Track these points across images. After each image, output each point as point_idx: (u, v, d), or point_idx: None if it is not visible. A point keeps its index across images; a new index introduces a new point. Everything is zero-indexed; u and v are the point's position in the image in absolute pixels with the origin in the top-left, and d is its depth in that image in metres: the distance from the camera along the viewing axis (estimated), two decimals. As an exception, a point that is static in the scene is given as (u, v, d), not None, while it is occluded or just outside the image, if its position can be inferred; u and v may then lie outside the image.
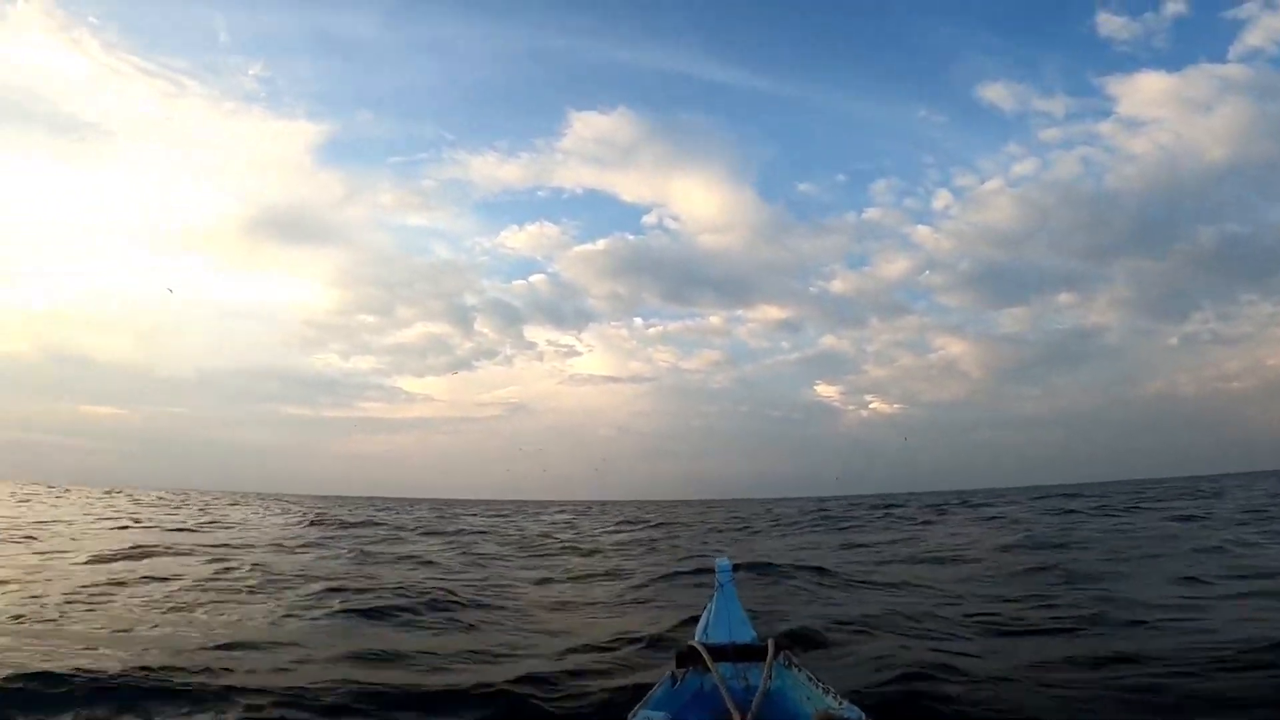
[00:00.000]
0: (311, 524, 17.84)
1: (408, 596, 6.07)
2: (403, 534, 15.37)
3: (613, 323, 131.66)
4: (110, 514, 19.62)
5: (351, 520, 20.03)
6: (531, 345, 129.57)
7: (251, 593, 6.40)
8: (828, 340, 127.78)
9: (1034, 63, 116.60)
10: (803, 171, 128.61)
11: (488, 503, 56.93)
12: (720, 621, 2.81)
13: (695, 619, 3.11)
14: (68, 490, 48.28)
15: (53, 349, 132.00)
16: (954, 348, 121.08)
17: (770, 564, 7.92)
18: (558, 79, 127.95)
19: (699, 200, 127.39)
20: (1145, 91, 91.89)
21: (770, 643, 2.38)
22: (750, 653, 2.44)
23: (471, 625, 5.27)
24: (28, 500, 27.38)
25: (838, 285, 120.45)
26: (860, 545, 11.47)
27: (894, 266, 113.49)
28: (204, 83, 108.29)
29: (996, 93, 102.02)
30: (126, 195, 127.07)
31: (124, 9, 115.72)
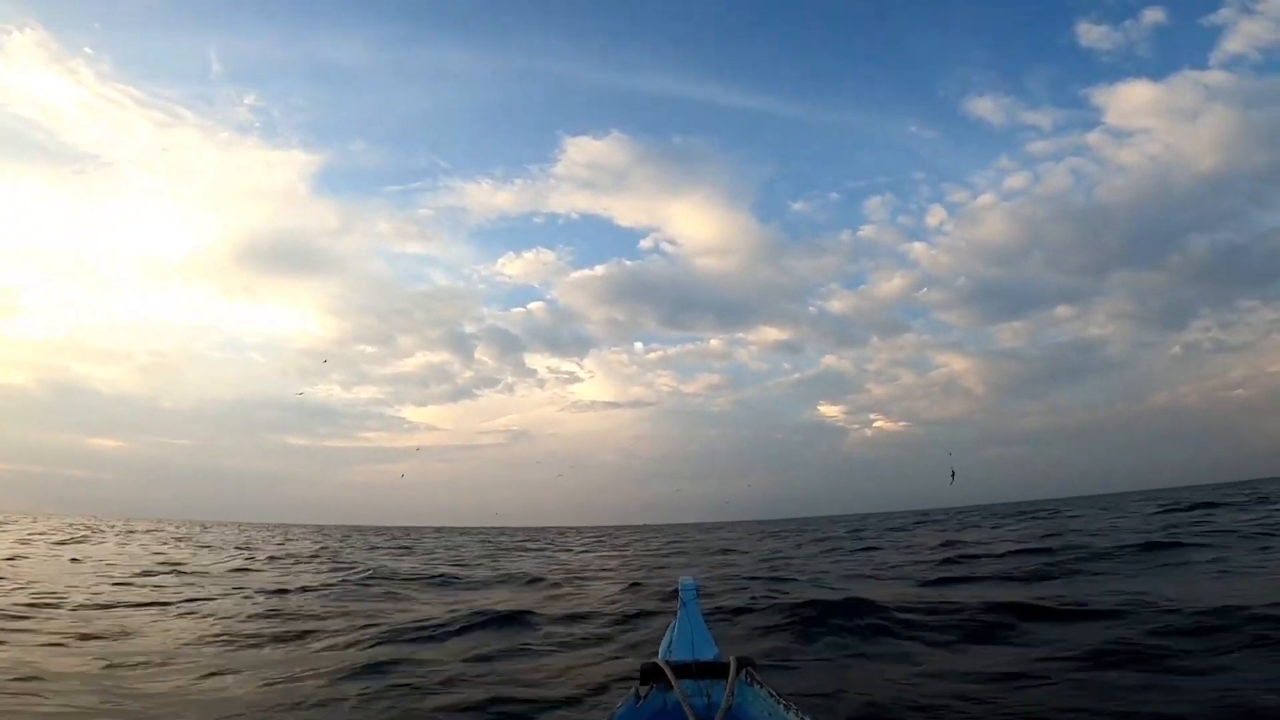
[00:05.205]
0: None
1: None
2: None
3: (612, 348, 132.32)
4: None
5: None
6: (532, 372, 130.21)
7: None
8: (828, 360, 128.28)
9: (1020, 75, 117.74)
10: (797, 190, 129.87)
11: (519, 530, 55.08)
12: (683, 639, 2.87)
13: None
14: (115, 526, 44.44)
15: (53, 380, 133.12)
16: (955, 364, 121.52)
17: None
18: (550, 104, 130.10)
19: (695, 223, 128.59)
20: (1131, 101, 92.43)
21: (733, 660, 2.42)
22: (713, 670, 2.46)
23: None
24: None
25: (836, 305, 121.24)
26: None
27: (891, 285, 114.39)
28: (198, 113, 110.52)
29: (985, 106, 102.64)
30: (126, 226, 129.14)
31: (117, 39, 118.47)
